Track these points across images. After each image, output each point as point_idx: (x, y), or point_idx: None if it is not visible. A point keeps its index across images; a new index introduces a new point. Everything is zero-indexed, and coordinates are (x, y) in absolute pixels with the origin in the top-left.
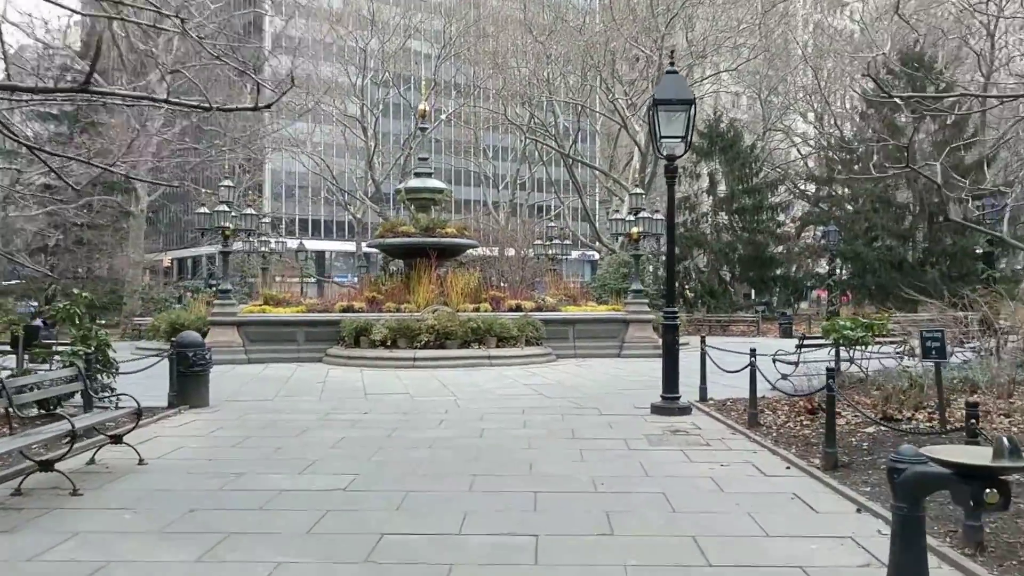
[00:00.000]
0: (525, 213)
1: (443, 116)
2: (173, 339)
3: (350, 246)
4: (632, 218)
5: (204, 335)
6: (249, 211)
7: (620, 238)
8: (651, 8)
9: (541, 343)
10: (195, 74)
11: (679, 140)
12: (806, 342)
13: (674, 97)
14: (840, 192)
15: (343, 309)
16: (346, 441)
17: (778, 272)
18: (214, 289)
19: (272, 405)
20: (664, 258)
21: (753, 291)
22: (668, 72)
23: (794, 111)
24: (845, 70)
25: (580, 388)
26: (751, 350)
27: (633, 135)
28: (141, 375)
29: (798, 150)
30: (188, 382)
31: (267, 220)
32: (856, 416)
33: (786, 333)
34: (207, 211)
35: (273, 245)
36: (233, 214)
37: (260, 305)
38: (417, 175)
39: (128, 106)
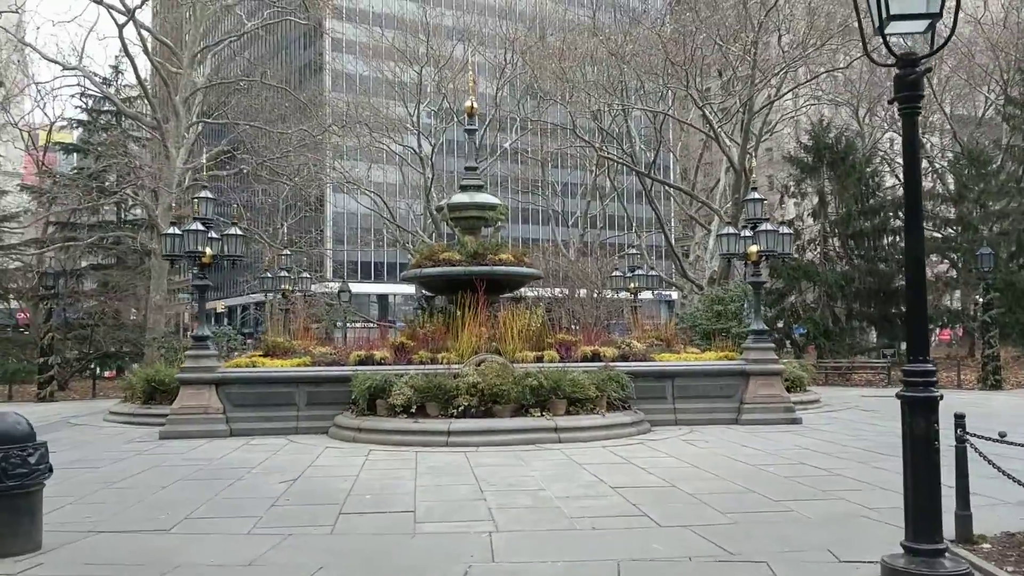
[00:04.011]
0: (597, 252)
1: (506, 145)
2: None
3: (412, 288)
4: (749, 233)
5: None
6: (233, 231)
7: (712, 269)
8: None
9: (629, 406)
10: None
11: (925, 23)
12: None
13: None
14: (972, 211)
15: (360, 360)
16: None
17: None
18: (243, 336)
19: (153, 546)
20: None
21: (855, 330)
22: None
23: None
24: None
25: (710, 498)
26: None
27: (725, 150)
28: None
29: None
30: None
31: (287, 253)
32: None
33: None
34: (177, 231)
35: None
36: (213, 236)
37: (253, 356)
38: (463, 188)
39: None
